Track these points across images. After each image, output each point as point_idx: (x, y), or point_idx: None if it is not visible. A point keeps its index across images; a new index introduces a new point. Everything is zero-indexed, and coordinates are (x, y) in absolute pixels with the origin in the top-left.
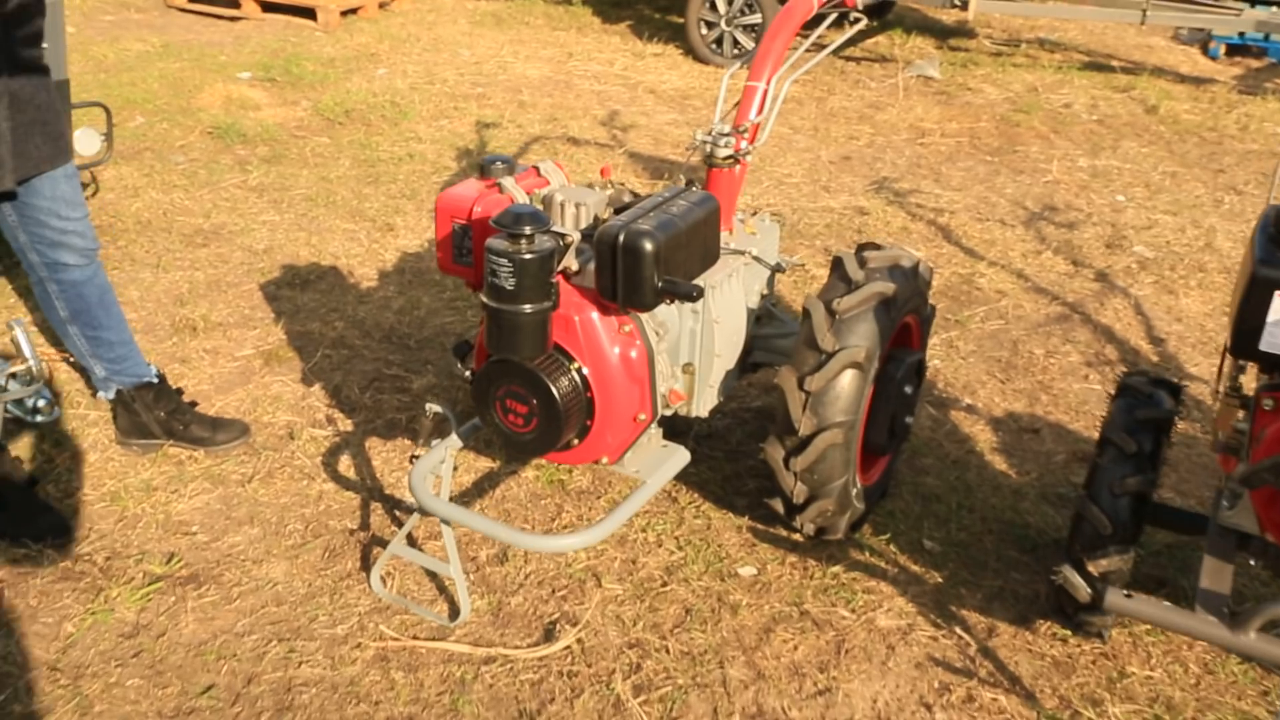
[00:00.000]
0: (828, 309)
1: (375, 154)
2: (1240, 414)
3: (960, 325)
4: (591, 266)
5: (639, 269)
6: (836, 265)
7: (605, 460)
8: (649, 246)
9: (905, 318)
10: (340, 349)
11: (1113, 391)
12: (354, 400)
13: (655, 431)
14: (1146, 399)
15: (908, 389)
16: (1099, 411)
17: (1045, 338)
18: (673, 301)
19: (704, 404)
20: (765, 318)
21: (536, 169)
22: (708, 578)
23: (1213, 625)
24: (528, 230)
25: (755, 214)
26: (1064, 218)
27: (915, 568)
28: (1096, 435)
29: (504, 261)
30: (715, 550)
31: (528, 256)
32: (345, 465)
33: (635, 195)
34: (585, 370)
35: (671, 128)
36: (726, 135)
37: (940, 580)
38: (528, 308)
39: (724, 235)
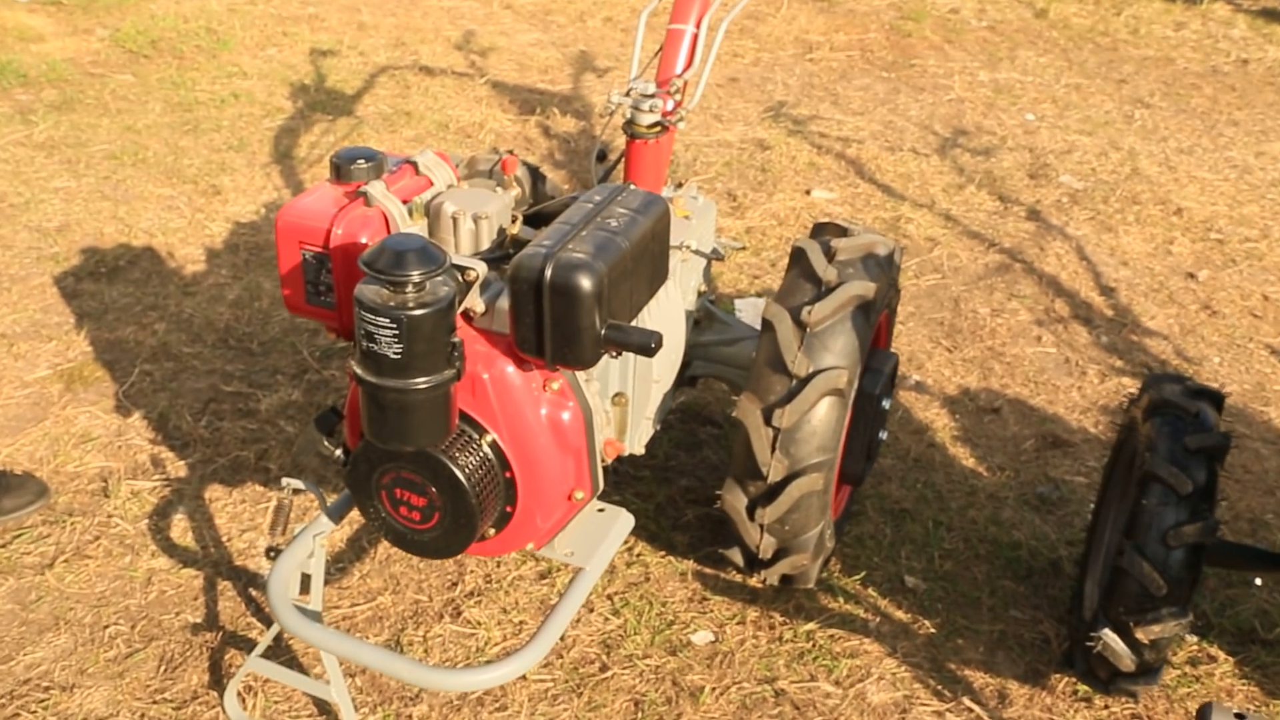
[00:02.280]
0: (795, 320)
1: (191, 95)
2: None
3: None
4: (504, 305)
5: (575, 316)
6: (798, 259)
7: (531, 547)
8: (587, 284)
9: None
10: (163, 361)
11: (1136, 398)
12: (186, 432)
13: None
14: (1193, 419)
15: (885, 403)
16: (1059, 382)
17: (988, 292)
18: (619, 354)
19: (639, 439)
20: (705, 320)
21: (414, 165)
22: (656, 651)
23: None
24: (416, 275)
25: (682, 187)
26: (978, 142)
27: (899, 614)
28: (1059, 412)
29: (383, 322)
30: (660, 611)
31: (418, 312)
32: (180, 529)
33: (547, 190)
34: (501, 443)
35: (536, 50)
36: (650, 96)
37: (932, 630)
38: (421, 383)
39: None
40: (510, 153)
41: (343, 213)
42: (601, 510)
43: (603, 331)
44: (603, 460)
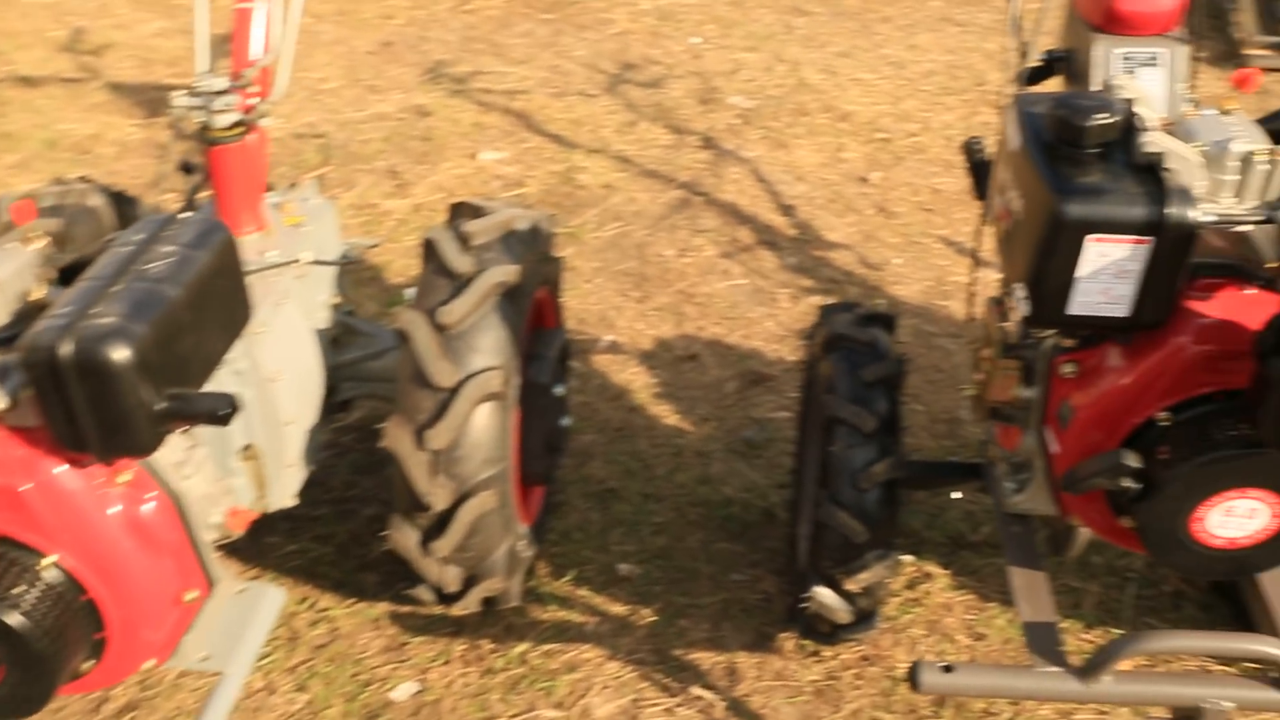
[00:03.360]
0: (433, 324)
1: None
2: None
3: (574, 238)
4: (28, 395)
5: (115, 398)
6: (430, 252)
7: (154, 663)
8: (122, 357)
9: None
10: None
11: (811, 333)
12: None
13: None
14: (868, 350)
15: (558, 389)
16: (752, 314)
17: (671, 232)
18: (190, 428)
19: (285, 490)
20: (345, 335)
21: None
22: None
23: (1060, 679)
24: None
25: (295, 187)
26: (646, 75)
27: (617, 608)
28: (757, 346)
29: None
30: (354, 672)
31: None
32: None
33: (136, 215)
34: (67, 564)
35: (162, 40)
36: (223, 93)
37: (653, 617)
38: None
39: (254, 239)
40: (72, 180)
41: None
42: (243, 591)
43: (160, 406)
44: (228, 535)
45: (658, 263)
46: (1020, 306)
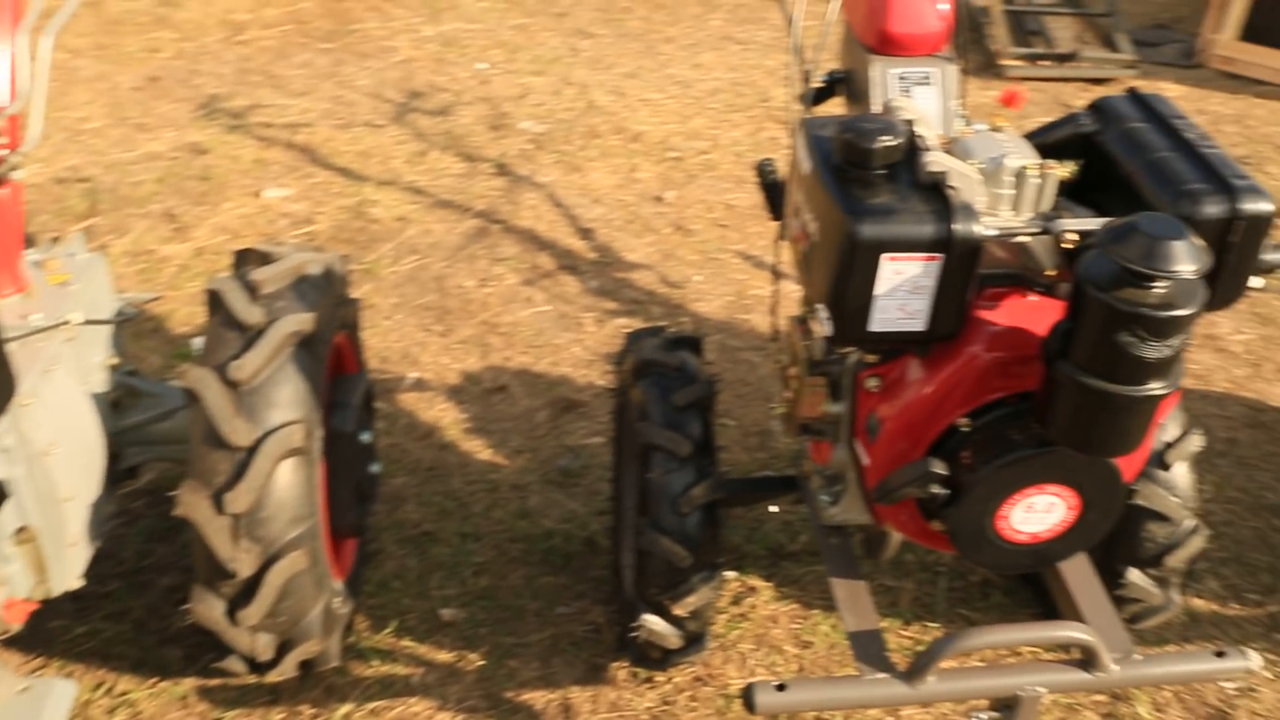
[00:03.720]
0: (224, 380)
1: None
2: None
3: (370, 274)
4: None
5: None
6: (215, 304)
7: None
8: None
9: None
10: None
11: (620, 358)
12: None
13: None
14: (677, 374)
15: (365, 436)
16: (558, 340)
17: (470, 262)
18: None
19: (69, 571)
20: (127, 397)
21: None
22: None
23: (887, 685)
24: None
25: (58, 241)
26: (434, 102)
27: (443, 655)
28: (566, 373)
29: None
30: None
31: None
32: None
33: None
34: None
35: None
36: None
37: (480, 661)
38: None
39: (13, 302)
40: None
41: None
42: (25, 690)
43: None
44: (5, 630)
45: (459, 294)
46: (824, 326)
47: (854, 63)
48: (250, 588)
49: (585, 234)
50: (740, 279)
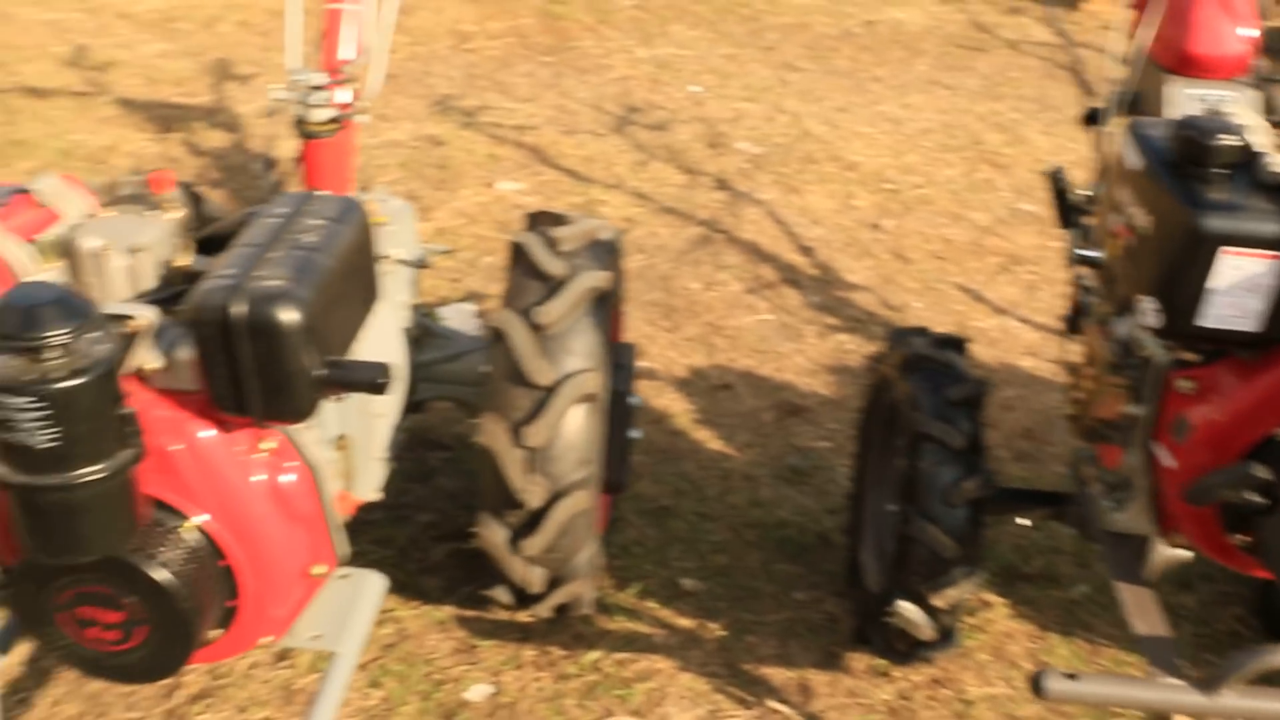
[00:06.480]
0: (529, 323)
1: None
2: (1117, 396)
3: None
4: (185, 355)
5: (283, 359)
6: (519, 255)
7: (270, 639)
8: (293, 318)
9: None
10: None
11: (882, 356)
12: None
13: None
14: (945, 371)
15: (633, 400)
16: (781, 348)
17: (695, 267)
18: (343, 397)
19: (371, 484)
20: (423, 336)
21: (28, 193)
22: None
23: (1182, 691)
24: (58, 335)
25: (368, 190)
26: (651, 118)
27: (684, 621)
28: (789, 379)
29: (23, 403)
30: (426, 672)
31: (70, 383)
32: None
33: (210, 212)
34: (210, 527)
35: (165, 61)
36: (319, 87)
37: (721, 632)
38: (89, 474)
39: None
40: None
41: None
42: (345, 576)
43: (319, 372)
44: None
45: (684, 295)
46: (1150, 318)
47: (1148, 83)
48: (534, 520)
49: (805, 251)
50: (960, 310)
